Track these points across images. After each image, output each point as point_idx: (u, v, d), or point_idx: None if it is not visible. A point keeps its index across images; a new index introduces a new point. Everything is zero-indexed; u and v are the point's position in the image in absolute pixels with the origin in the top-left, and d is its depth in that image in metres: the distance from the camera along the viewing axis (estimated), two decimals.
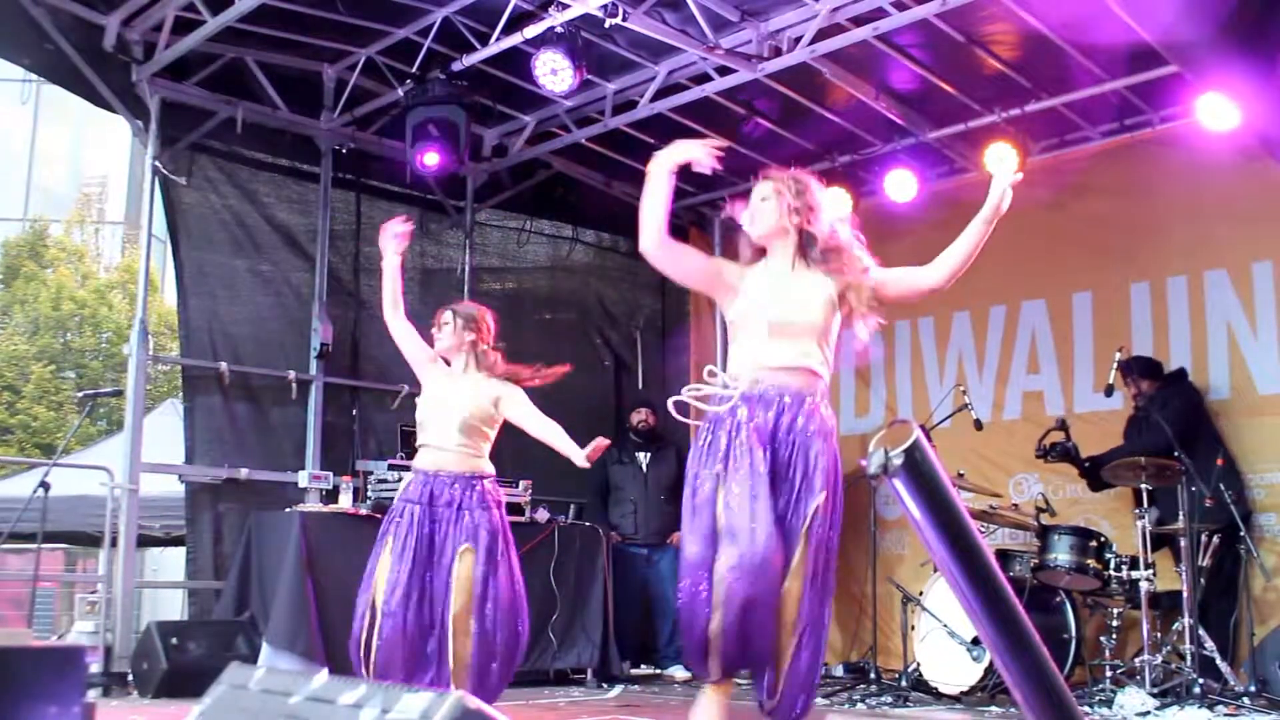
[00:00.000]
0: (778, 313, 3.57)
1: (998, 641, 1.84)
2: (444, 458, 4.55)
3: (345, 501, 6.33)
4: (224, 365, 6.97)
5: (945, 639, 6.07)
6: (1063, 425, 6.31)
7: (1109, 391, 5.98)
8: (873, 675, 6.33)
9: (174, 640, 5.86)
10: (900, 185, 7.40)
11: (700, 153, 3.59)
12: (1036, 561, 6.01)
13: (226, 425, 7.02)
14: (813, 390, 3.55)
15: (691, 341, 9.00)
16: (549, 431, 4.51)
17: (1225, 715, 5.14)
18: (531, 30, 6.11)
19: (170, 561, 13.40)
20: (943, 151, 7.60)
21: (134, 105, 6.74)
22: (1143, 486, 5.75)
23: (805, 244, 3.64)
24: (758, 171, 3.81)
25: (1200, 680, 5.28)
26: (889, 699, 5.98)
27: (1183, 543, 5.60)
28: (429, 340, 4.76)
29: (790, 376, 3.54)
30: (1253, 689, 5.41)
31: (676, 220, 8.80)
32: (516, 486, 6.92)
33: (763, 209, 3.66)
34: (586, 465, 4.32)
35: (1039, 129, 7.22)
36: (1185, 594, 5.51)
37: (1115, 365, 5.99)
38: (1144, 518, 5.71)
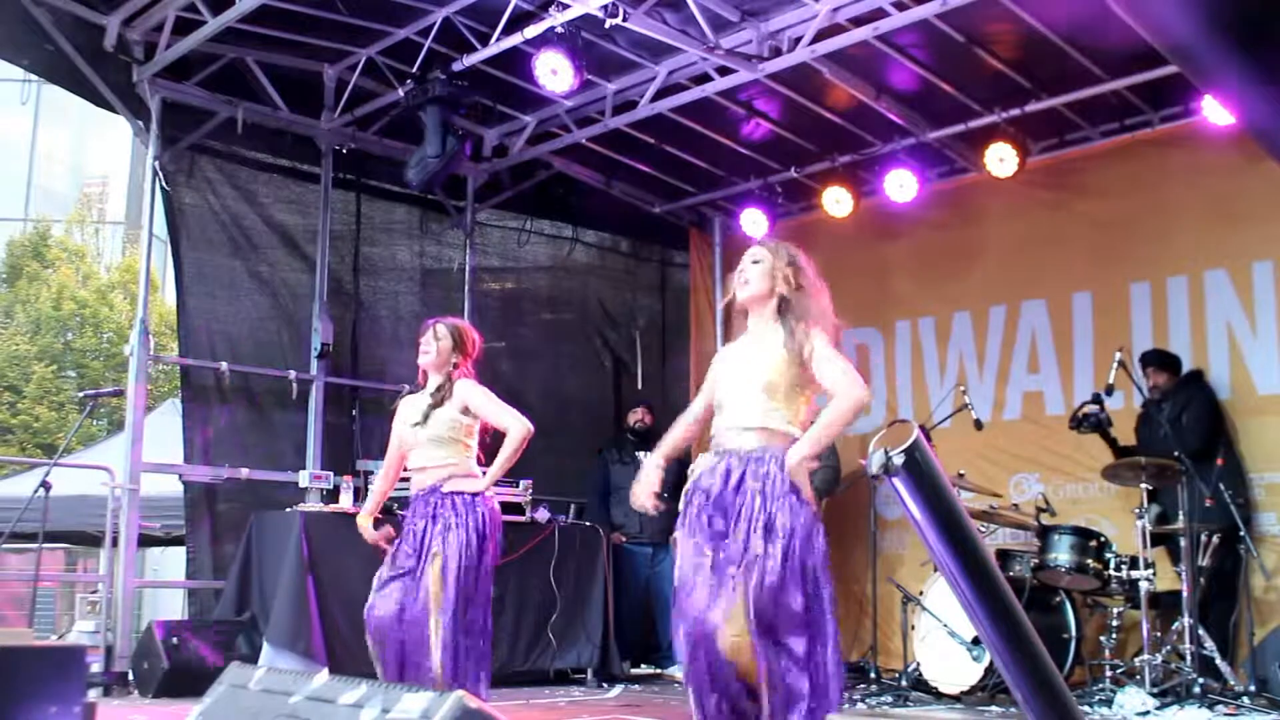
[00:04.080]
0: (736, 373, 3.63)
1: (997, 641, 1.84)
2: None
3: (346, 501, 6.33)
4: (224, 365, 6.99)
5: (945, 639, 6.06)
6: (1098, 399, 6.16)
7: (1109, 391, 5.97)
8: (873, 675, 6.33)
9: (174, 640, 5.87)
10: (900, 185, 7.40)
11: None
12: (1036, 561, 6.01)
13: (226, 425, 7.04)
14: (771, 447, 3.52)
15: (691, 342, 8.99)
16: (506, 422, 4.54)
17: (1225, 715, 5.14)
18: (531, 30, 6.11)
19: (170, 561, 13.39)
20: (943, 151, 7.61)
21: (135, 105, 6.75)
22: (1143, 486, 5.75)
23: (782, 309, 3.64)
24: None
25: (1200, 680, 5.28)
26: (889, 699, 5.98)
27: (1183, 543, 5.60)
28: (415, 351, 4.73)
29: (744, 436, 3.56)
30: (1253, 689, 5.42)
31: (676, 220, 8.83)
32: (516, 486, 6.93)
33: (753, 271, 3.68)
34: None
35: (1039, 129, 7.23)
36: (1185, 594, 5.52)
37: (1115, 365, 5.98)
38: (1143, 517, 5.71)
